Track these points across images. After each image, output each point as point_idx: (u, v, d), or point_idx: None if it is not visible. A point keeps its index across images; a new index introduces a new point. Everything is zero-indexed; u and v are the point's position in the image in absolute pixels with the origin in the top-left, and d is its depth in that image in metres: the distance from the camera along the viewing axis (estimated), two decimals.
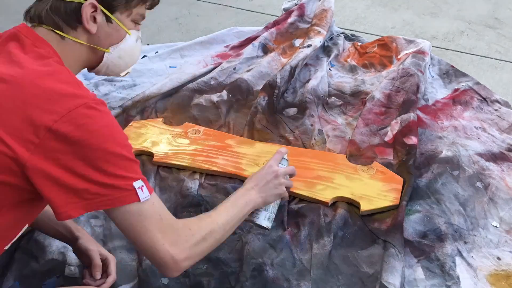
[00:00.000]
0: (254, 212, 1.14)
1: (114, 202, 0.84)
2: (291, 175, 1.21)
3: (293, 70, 1.95)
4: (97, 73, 1.04)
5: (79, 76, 2.04)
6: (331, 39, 2.30)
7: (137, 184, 0.85)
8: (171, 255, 0.89)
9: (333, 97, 1.91)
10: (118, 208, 0.85)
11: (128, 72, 1.10)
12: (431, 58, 2.10)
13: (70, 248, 1.22)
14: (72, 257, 1.26)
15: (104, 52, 0.99)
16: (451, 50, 2.35)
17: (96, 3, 0.92)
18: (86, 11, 0.92)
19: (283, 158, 1.21)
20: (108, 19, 0.96)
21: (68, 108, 0.80)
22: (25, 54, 0.87)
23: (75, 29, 0.93)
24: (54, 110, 0.80)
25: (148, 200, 0.87)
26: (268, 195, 1.14)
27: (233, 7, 2.86)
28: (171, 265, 0.90)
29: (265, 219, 1.15)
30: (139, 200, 0.85)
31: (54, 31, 0.92)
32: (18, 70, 0.84)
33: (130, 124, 1.75)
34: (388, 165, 1.54)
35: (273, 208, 1.17)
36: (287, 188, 1.18)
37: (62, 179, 0.80)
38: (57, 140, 0.79)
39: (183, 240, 0.92)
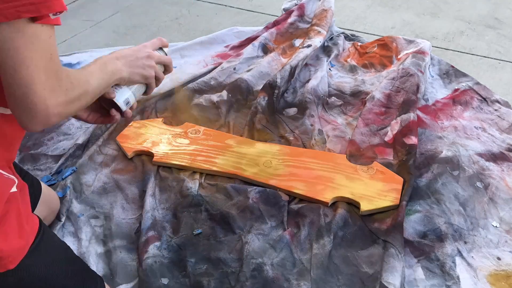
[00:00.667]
0: (115, 86, 1.02)
1: (20, 12, 0.68)
2: (166, 68, 1.10)
3: (293, 70, 1.95)
4: None
5: None
6: (331, 39, 2.30)
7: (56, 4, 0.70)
8: (46, 105, 0.75)
9: (333, 97, 1.91)
10: (11, 23, 0.68)
11: None
12: (431, 58, 2.10)
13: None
14: None
15: None
16: (451, 50, 2.35)
17: None
18: None
19: (161, 48, 1.10)
20: None
21: None
22: None
23: None
24: None
25: (47, 28, 0.72)
26: (135, 72, 1.01)
27: (233, 7, 2.86)
28: (41, 115, 0.75)
29: (122, 99, 1.03)
30: (66, 9, 0.71)
31: None
32: None
33: (130, 124, 1.75)
34: (388, 165, 1.54)
35: (134, 90, 1.05)
36: (157, 79, 1.07)
37: None
38: None
39: (63, 92, 0.78)
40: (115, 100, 1.02)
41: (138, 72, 1.02)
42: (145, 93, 1.09)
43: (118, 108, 1.04)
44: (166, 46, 1.12)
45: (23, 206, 0.93)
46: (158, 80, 1.08)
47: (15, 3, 0.68)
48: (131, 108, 1.07)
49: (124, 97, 1.03)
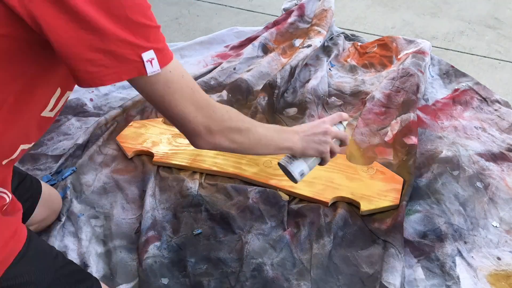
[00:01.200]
0: (291, 158, 1.11)
1: (118, 76, 0.74)
2: (342, 142, 1.14)
3: (293, 70, 1.95)
4: None
5: None
6: (331, 39, 2.30)
7: (149, 55, 0.75)
8: (206, 125, 0.86)
9: (333, 97, 1.91)
10: (145, 77, 0.76)
11: None
12: (431, 58, 2.10)
13: (70, 248, 1.23)
14: (72, 258, 1.27)
15: None
16: (451, 50, 2.35)
17: None
18: None
19: (340, 122, 1.14)
20: None
21: None
22: None
23: None
24: None
25: (177, 70, 0.80)
26: (309, 147, 1.08)
27: (233, 7, 2.86)
28: (204, 134, 0.87)
29: (297, 170, 1.11)
30: (145, 74, 0.75)
31: None
32: None
33: (130, 124, 1.75)
34: (388, 165, 1.54)
35: (310, 164, 1.12)
36: (332, 153, 1.12)
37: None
38: None
39: (219, 117, 0.88)
40: (290, 170, 1.12)
41: (313, 147, 1.09)
42: (320, 163, 1.17)
43: (292, 178, 1.13)
44: (347, 120, 1.17)
45: (12, 219, 0.92)
46: (333, 154, 1.13)
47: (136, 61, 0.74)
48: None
49: (300, 168, 1.13)
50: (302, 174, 1.13)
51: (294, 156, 1.12)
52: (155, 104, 0.82)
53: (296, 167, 1.12)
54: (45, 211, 1.29)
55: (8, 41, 0.71)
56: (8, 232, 0.89)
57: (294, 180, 1.14)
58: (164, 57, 0.78)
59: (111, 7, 0.68)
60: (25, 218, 1.19)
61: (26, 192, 1.19)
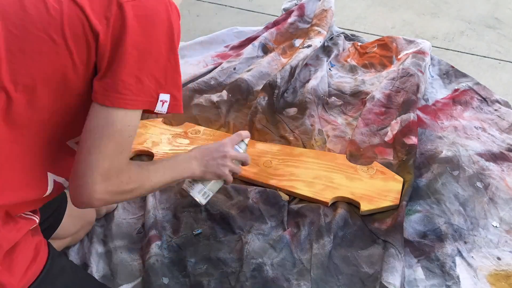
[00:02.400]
0: (192, 182, 1.15)
1: (126, 103, 0.80)
2: (243, 163, 1.19)
3: (293, 70, 1.95)
4: None
5: None
6: (331, 39, 2.30)
7: (164, 96, 0.83)
8: (93, 190, 0.82)
9: (333, 97, 1.91)
10: (112, 109, 0.80)
11: None
12: (431, 58, 2.10)
13: (70, 247, 1.23)
14: (72, 258, 1.27)
15: None
16: (451, 50, 2.35)
17: None
18: None
19: (242, 141, 1.19)
20: None
21: None
22: None
23: None
24: None
25: (131, 129, 0.83)
26: (208, 171, 1.12)
27: (233, 7, 2.86)
28: (84, 198, 0.83)
29: (199, 193, 1.15)
30: (153, 111, 0.83)
31: None
32: None
33: None
34: (388, 165, 1.54)
35: (212, 186, 1.16)
36: (233, 173, 1.16)
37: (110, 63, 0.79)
38: (122, 19, 0.78)
39: (116, 184, 0.85)
40: (191, 195, 1.15)
41: (212, 171, 1.12)
42: (225, 183, 1.20)
43: (196, 201, 1.16)
44: (248, 138, 1.21)
45: (36, 239, 0.91)
46: (234, 174, 1.18)
47: (127, 96, 0.80)
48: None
49: (202, 191, 1.16)
50: (206, 197, 1.17)
51: (194, 180, 1.15)
52: (88, 133, 0.81)
53: (197, 192, 1.15)
54: (78, 223, 1.24)
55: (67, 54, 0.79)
56: (31, 252, 0.88)
57: (199, 204, 1.18)
58: (175, 107, 0.85)
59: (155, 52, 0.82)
60: (52, 230, 1.14)
61: (51, 203, 1.09)
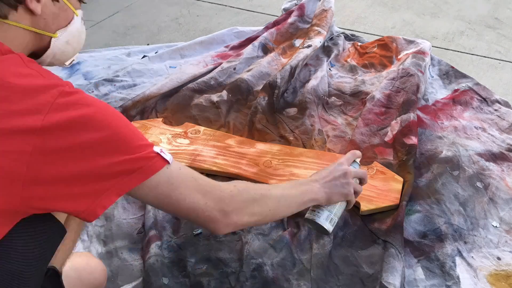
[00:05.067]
0: (316, 209, 1.05)
1: (146, 173, 0.75)
2: (361, 181, 1.10)
3: (293, 70, 1.95)
4: (41, 64, 0.85)
5: (77, 77, 2.05)
6: (331, 39, 2.30)
7: (157, 148, 0.77)
8: (219, 208, 0.83)
9: (333, 97, 1.91)
10: (147, 183, 0.75)
11: (73, 60, 0.94)
12: (431, 59, 2.10)
13: None
14: None
15: (51, 37, 0.83)
16: (451, 50, 2.35)
17: None
18: None
19: (354, 161, 1.11)
20: None
21: (48, 101, 0.68)
22: None
23: (15, 10, 0.76)
24: (35, 109, 0.68)
25: (174, 165, 0.79)
26: (333, 193, 1.03)
27: (233, 7, 2.86)
28: (220, 218, 0.84)
29: (326, 220, 1.04)
30: (169, 163, 0.78)
31: None
32: None
33: None
34: (388, 165, 1.54)
35: (337, 210, 1.06)
36: (356, 193, 1.07)
37: (79, 176, 0.70)
38: (53, 135, 0.68)
39: (228, 194, 0.86)
40: (320, 223, 1.04)
41: (337, 191, 1.03)
42: (346, 206, 1.10)
43: (323, 230, 1.06)
44: (360, 157, 1.13)
45: None
46: (356, 194, 1.08)
47: (139, 164, 0.75)
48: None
49: (329, 218, 1.05)
50: (332, 222, 1.06)
51: (318, 206, 1.06)
52: (163, 207, 0.81)
53: (324, 219, 1.05)
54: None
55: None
56: None
57: (326, 232, 1.07)
58: (164, 153, 0.79)
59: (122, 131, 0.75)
60: None
61: None
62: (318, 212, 1.05)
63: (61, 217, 0.87)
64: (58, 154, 0.69)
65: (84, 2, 0.92)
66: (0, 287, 0.73)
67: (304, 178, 1.05)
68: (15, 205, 0.69)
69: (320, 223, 1.04)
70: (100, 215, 0.73)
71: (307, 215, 1.06)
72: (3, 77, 0.70)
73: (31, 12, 0.78)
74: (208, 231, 0.88)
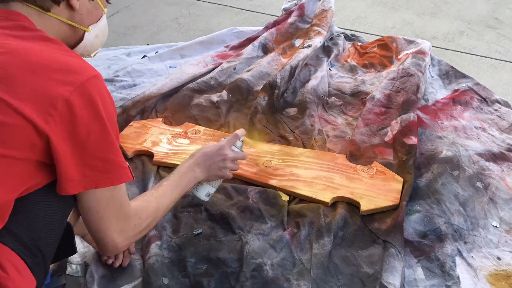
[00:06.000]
0: (196, 184, 1.23)
1: (113, 180, 0.87)
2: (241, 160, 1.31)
3: (293, 70, 1.95)
4: None
5: None
6: (331, 39, 2.30)
7: (126, 164, 0.90)
8: (115, 243, 0.94)
9: (333, 97, 1.91)
10: (96, 190, 0.87)
11: (97, 53, 1.08)
12: (431, 59, 2.10)
13: None
14: (73, 256, 1.26)
15: (84, 31, 0.97)
16: (451, 50, 2.35)
17: None
18: None
19: (239, 139, 1.29)
20: None
21: (81, 79, 0.80)
22: (3, 29, 0.84)
23: (58, 5, 0.90)
24: (68, 80, 0.79)
25: (122, 185, 0.91)
26: (211, 175, 1.22)
27: (233, 7, 2.86)
28: (111, 249, 0.95)
29: (204, 194, 1.26)
30: (132, 179, 0.90)
31: (33, 7, 0.88)
32: (11, 41, 0.82)
33: (130, 124, 1.75)
34: (388, 165, 1.54)
35: (214, 185, 1.28)
36: (232, 170, 1.27)
37: (74, 154, 0.82)
38: (71, 113, 0.80)
39: (131, 228, 0.97)
40: (197, 195, 1.26)
41: (214, 174, 1.23)
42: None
43: (200, 200, 1.28)
44: (243, 135, 1.31)
45: None
46: (234, 171, 1.29)
47: (94, 177, 0.86)
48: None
49: (205, 191, 1.27)
50: (209, 195, 1.28)
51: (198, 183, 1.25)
52: (86, 213, 0.91)
53: (202, 192, 1.26)
54: None
55: (23, 164, 0.81)
56: None
57: (202, 201, 1.30)
58: (127, 176, 0.92)
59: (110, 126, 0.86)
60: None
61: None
62: (198, 188, 1.25)
63: None
64: (71, 126, 0.81)
65: (109, 3, 1.04)
66: (35, 229, 0.86)
67: (193, 162, 1.19)
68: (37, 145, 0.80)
69: (199, 196, 1.26)
70: (64, 194, 0.85)
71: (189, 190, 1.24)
72: (51, 53, 0.83)
73: (70, 7, 0.91)
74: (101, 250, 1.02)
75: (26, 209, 0.85)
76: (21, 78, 0.78)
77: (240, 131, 1.29)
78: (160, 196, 1.07)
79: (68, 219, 0.98)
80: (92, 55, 1.05)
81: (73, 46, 0.98)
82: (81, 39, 0.97)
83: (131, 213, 0.96)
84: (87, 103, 0.81)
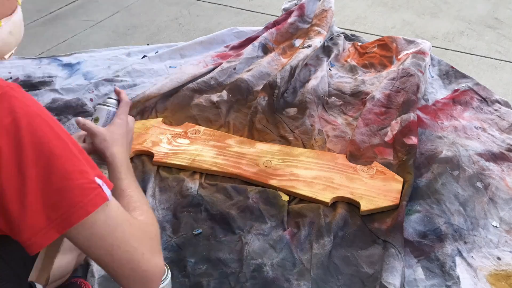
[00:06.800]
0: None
1: (86, 209, 0.65)
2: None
3: (293, 70, 1.95)
4: None
5: (77, 77, 2.05)
6: (331, 39, 2.30)
7: (98, 180, 0.67)
8: (155, 264, 0.73)
9: (333, 97, 1.91)
10: (83, 223, 0.65)
11: (12, 54, 0.85)
12: (431, 59, 2.10)
13: None
14: None
15: None
16: (451, 50, 2.35)
17: None
18: None
19: (109, 97, 1.05)
20: None
21: None
22: None
23: None
24: None
25: (112, 202, 0.70)
26: (130, 147, 1.04)
27: (233, 7, 2.86)
28: (157, 275, 0.74)
29: None
30: (108, 199, 0.68)
31: None
32: None
33: None
34: (388, 165, 1.54)
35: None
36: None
37: (19, 198, 0.62)
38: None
39: (156, 242, 0.77)
40: None
41: (130, 141, 1.04)
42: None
43: None
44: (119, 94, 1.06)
45: None
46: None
47: (74, 207, 0.64)
48: None
49: None
50: None
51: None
52: (93, 252, 0.69)
53: None
54: (71, 257, 1.07)
55: None
56: None
57: None
58: (107, 182, 0.69)
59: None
60: None
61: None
62: None
63: None
64: None
65: None
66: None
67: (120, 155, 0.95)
68: None
69: None
70: (36, 252, 0.64)
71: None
72: None
73: None
74: None
75: None
76: None
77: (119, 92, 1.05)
78: (143, 200, 0.87)
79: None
80: (6, 56, 0.85)
81: None
82: None
83: (143, 227, 0.77)
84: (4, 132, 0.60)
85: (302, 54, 2.03)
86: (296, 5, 2.45)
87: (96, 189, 0.66)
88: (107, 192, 0.67)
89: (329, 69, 2.09)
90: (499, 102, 1.85)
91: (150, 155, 1.61)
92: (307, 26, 2.33)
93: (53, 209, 0.63)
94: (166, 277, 1.08)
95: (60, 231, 0.64)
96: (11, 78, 1.83)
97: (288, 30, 2.33)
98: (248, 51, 2.16)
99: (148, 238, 0.75)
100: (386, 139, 1.65)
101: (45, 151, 0.63)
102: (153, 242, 0.76)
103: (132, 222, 0.73)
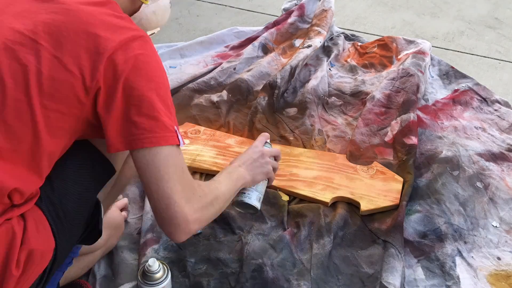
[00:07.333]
0: (243, 192, 1.15)
1: (158, 140, 0.83)
2: (276, 158, 1.22)
3: (293, 70, 1.95)
4: None
5: None
6: (331, 39, 2.30)
7: (177, 129, 0.86)
8: (185, 214, 0.86)
9: (333, 97, 1.91)
10: (150, 149, 0.83)
11: (153, 33, 1.08)
12: (431, 59, 2.10)
13: None
14: None
15: (142, 3, 0.98)
16: (451, 50, 2.35)
17: None
18: None
19: (266, 142, 1.22)
20: None
21: (125, 38, 0.82)
22: None
23: None
24: (113, 39, 0.81)
25: (178, 149, 0.87)
26: (256, 173, 1.14)
27: (233, 7, 2.86)
28: (183, 225, 0.86)
29: (256, 200, 1.16)
30: (179, 144, 0.86)
31: None
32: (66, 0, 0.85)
33: None
34: (388, 165, 1.54)
35: (261, 189, 1.18)
36: (274, 169, 1.19)
37: (118, 111, 0.82)
38: (114, 70, 0.81)
39: (197, 199, 0.89)
40: (250, 203, 1.15)
41: (260, 172, 1.15)
42: (268, 183, 1.22)
43: (253, 208, 1.17)
44: (269, 138, 1.25)
45: None
46: (275, 170, 1.20)
47: (152, 134, 0.83)
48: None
49: (255, 196, 1.16)
50: (259, 200, 1.18)
51: (244, 188, 1.15)
52: (146, 176, 0.85)
53: (254, 199, 1.16)
54: (104, 232, 1.08)
55: (71, 119, 0.83)
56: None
57: (256, 210, 1.18)
58: (179, 135, 0.87)
59: (156, 88, 0.85)
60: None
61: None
62: (248, 194, 1.15)
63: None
64: (114, 83, 0.82)
65: None
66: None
67: (235, 164, 1.12)
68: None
69: (252, 204, 1.15)
70: (112, 152, 0.84)
71: (237, 198, 1.15)
72: (101, 14, 0.85)
73: None
74: (164, 232, 0.90)
75: (63, 173, 0.88)
76: (71, 37, 0.81)
77: (267, 134, 1.25)
78: (216, 182, 1.02)
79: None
80: (148, 33, 1.02)
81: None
82: (137, 10, 0.99)
83: (194, 183, 0.91)
84: (131, 60, 0.82)
85: (302, 54, 2.03)
86: (296, 5, 2.45)
87: (172, 132, 0.85)
88: (180, 140, 0.86)
89: (329, 69, 2.09)
90: (499, 102, 1.85)
91: None
92: (307, 26, 2.33)
93: (136, 127, 0.82)
94: (166, 277, 1.10)
95: (133, 146, 0.83)
96: None
97: (288, 30, 2.33)
98: (248, 51, 2.16)
99: (197, 196, 0.89)
100: (386, 139, 1.65)
101: (153, 85, 0.84)
102: (198, 201, 0.89)
103: (185, 172, 0.88)
